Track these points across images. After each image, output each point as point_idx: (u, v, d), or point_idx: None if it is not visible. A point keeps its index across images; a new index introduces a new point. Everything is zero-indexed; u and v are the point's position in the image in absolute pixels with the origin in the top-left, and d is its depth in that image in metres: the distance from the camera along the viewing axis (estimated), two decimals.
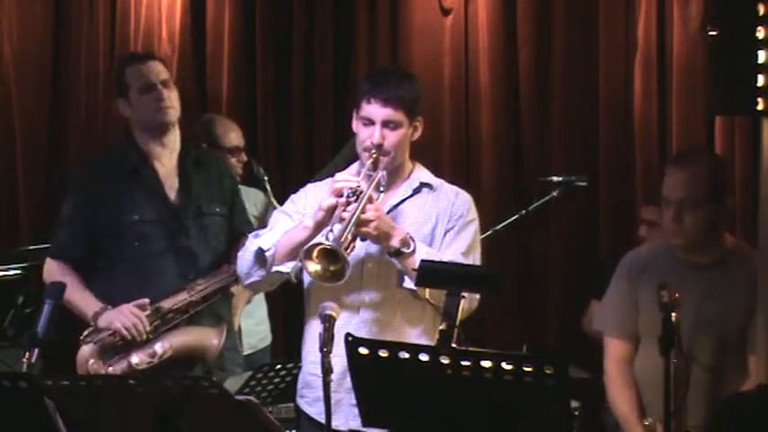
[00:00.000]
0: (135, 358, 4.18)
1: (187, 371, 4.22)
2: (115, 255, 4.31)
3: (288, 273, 3.80)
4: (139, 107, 4.37)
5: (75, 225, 4.36)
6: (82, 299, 4.26)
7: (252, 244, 3.85)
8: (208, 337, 4.28)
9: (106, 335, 4.19)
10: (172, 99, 4.37)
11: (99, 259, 4.33)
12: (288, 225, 3.83)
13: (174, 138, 4.42)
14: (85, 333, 4.20)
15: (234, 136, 5.39)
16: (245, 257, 3.87)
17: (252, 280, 3.89)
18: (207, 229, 4.40)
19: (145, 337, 4.18)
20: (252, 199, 5.42)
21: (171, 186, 4.39)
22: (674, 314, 3.61)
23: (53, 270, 4.35)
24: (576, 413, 5.10)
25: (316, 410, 3.84)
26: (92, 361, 4.15)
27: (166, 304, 4.24)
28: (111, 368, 4.16)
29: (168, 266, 4.32)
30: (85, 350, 4.16)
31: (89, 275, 4.34)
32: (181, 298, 4.26)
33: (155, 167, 4.38)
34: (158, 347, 4.19)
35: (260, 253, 3.80)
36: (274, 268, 3.79)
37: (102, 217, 4.32)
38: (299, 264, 3.75)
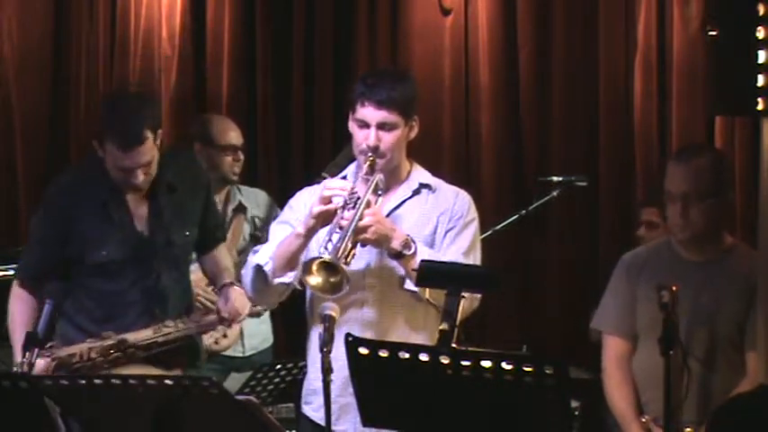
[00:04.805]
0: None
1: None
2: (82, 283, 4.22)
3: (291, 282, 3.77)
4: (110, 171, 4.15)
5: (48, 246, 4.24)
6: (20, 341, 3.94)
7: (251, 261, 3.83)
8: None
9: (66, 354, 4.08)
10: (149, 173, 4.14)
11: (69, 279, 4.24)
12: (284, 235, 3.80)
13: None
14: (47, 346, 3.95)
15: (232, 135, 5.37)
16: (246, 276, 3.85)
17: (258, 297, 3.89)
18: (177, 259, 4.30)
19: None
20: (254, 199, 5.43)
21: (141, 216, 4.24)
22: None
23: (17, 299, 4.25)
24: (576, 413, 5.11)
25: (322, 416, 3.79)
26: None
27: (130, 338, 4.13)
28: None
29: (134, 304, 4.22)
30: (41, 364, 3.94)
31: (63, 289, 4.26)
32: (146, 335, 4.16)
33: (125, 198, 4.22)
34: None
35: (259, 269, 3.77)
36: (276, 281, 3.75)
37: (72, 247, 4.21)
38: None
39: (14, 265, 4.59)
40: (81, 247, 4.20)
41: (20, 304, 4.25)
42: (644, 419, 3.91)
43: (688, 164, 3.91)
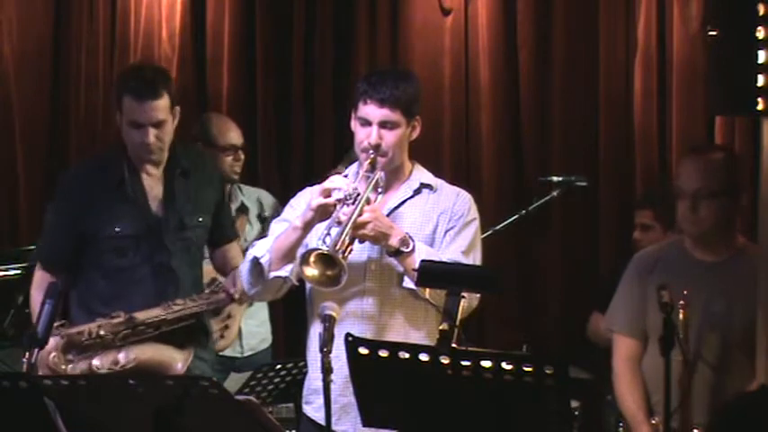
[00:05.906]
0: (97, 361, 4.11)
1: None
2: (95, 262, 4.28)
3: (288, 276, 3.78)
4: (126, 136, 4.27)
5: (60, 232, 4.33)
6: None
7: (248, 255, 3.84)
8: (173, 359, 4.21)
9: (75, 331, 4.13)
10: (161, 139, 4.24)
11: (81, 263, 4.30)
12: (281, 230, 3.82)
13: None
14: (55, 325, 4.03)
15: (232, 135, 5.37)
16: (242, 270, 3.86)
17: (254, 290, 3.87)
18: (189, 242, 4.35)
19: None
20: (256, 198, 5.42)
21: (155, 197, 4.31)
22: (681, 312, 3.62)
23: (39, 281, 4.32)
24: (576, 413, 5.11)
25: (323, 416, 3.79)
26: (54, 354, 4.07)
27: (140, 316, 4.17)
28: (71, 365, 4.11)
29: (145, 281, 4.26)
30: (51, 342, 3.95)
31: (74, 276, 4.32)
32: (155, 313, 4.20)
33: (141, 178, 4.30)
34: (122, 356, 4.12)
35: (255, 262, 3.78)
36: (272, 274, 3.77)
37: (83, 226, 4.27)
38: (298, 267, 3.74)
39: (15, 265, 4.60)
40: (95, 227, 4.26)
41: (41, 292, 4.26)
42: (654, 421, 3.89)
43: (700, 161, 3.92)
